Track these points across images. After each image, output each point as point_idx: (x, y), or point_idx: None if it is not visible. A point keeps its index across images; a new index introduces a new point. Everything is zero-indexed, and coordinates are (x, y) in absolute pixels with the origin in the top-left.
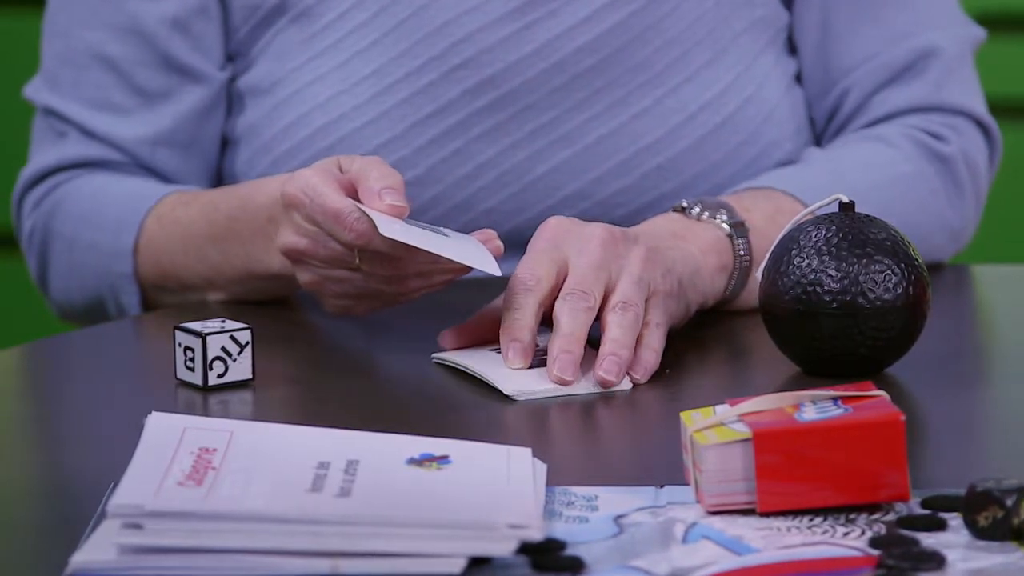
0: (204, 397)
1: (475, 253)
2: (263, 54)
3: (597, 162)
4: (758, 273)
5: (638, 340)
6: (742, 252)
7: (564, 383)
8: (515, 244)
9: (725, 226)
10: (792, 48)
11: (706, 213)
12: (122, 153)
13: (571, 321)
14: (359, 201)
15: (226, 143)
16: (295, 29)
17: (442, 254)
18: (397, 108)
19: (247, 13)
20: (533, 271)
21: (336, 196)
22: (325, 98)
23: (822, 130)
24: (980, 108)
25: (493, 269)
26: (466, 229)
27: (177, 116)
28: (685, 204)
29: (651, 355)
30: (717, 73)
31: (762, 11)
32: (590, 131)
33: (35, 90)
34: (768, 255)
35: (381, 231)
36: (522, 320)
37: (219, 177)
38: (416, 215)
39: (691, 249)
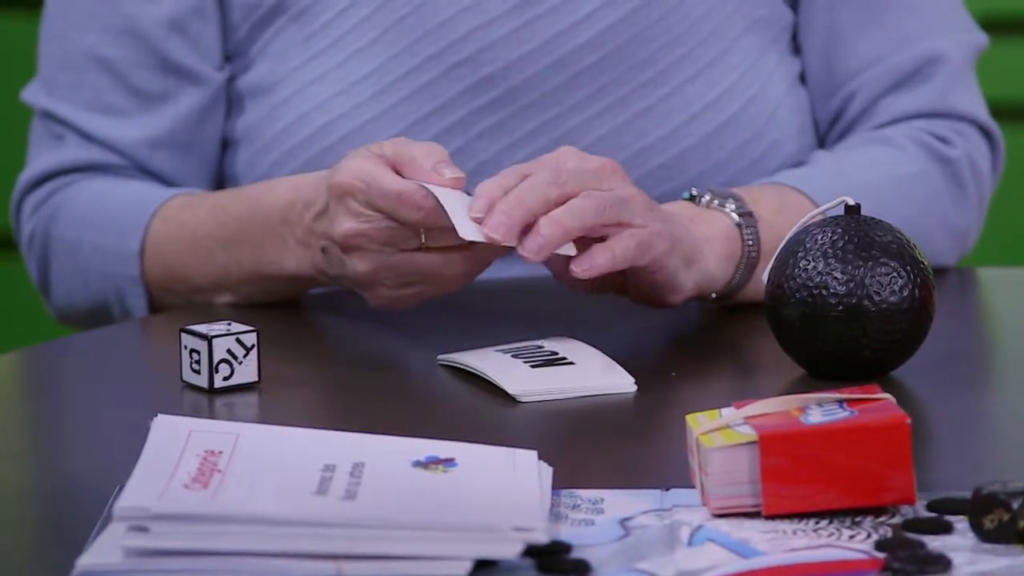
0: (210, 399)
1: None
2: (262, 54)
3: None
4: (764, 275)
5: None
6: (750, 243)
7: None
8: None
9: (734, 215)
10: (796, 49)
11: (716, 201)
12: (120, 156)
13: (528, 189)
14: None
15: (226, 144)
16: (294, 28)
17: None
18: (397, 107)
19: (246, 12)
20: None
21: (393, 177)
22: (325, 98)
23: (825, 132)
24: (984, 115)
25: (568, 250)
26: None
27: (175, 118)
28: (695, 192)
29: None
30: (721, 72)
31: (763, 11)
32: (592, 130)
33: (32, 94)
34: (774, 258)
35: (462, 235)
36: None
37: (219, 179)
38: None
39: (698, 235)
